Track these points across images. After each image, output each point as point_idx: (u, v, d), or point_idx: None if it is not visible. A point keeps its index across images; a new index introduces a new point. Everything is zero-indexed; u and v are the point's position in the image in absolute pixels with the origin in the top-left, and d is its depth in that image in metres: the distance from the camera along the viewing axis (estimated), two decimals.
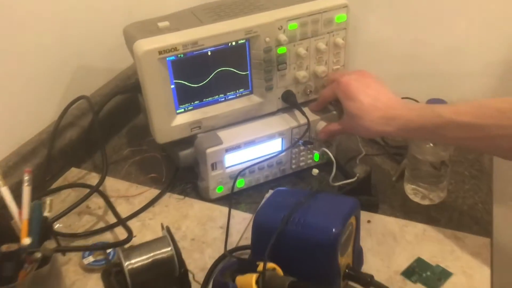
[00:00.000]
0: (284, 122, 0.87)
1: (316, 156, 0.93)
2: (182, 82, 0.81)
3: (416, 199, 0.87)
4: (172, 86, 0.80)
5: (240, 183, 0.88)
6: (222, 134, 0.84)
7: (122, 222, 0.73)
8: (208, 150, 0.81)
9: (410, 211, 0.85)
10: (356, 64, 1.05)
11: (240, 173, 0.85)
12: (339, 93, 0.80)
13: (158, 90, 0.78)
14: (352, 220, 0.67)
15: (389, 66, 1.11)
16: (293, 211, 0.64)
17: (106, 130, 1.02)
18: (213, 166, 0.83)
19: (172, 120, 0.82)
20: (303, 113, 0.86)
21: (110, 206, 0.78)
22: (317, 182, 0.92)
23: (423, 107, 0.74)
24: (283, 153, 0.86)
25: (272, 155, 0.87)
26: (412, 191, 0.87)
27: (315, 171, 0.92)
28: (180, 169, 0.91)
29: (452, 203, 0.86)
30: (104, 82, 1.06)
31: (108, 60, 1.07)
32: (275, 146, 0.88)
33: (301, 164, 0.92)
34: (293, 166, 0.91)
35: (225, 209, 0.84)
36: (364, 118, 0.77)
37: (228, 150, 0.83)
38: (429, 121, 0.71)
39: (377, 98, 0.77)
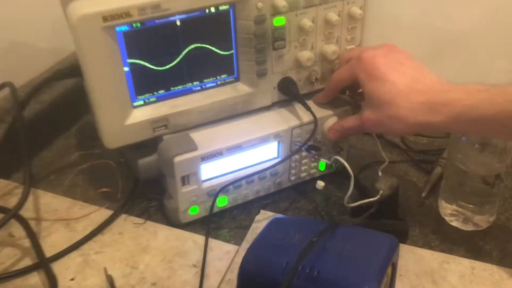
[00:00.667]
0: (281, 120, 0.65)
1: (322, 164, 0.70)
2: (140, 62, 0.58)
3: (456, 223, 0.65)
4: (126, 69, 0.57)
5: (222, 202, 0.65)
6: (197, 136, 0.61)
7: (44, 266, 0.50)
8: (177, 159, 0.58)
9: (448, 239, 0.63)
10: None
11: (222, 189, 0.62)
12: (361, 73, 0.58)
13: (104, 74, 0.55)
14: (388, 269, 0.44)
15: (412, 47, 0.88)
16: (301, 257, 0.42)
17: (49, 127, 0.79)
18: (185, 180, 0.61)
19: (127, 117, 0.59)
20: (308, 108, 0.63)
21: (32, 239, 0.54)
22: (323, 199, 0.70)
23: (489, 89, 0.52)
24: (280, 163, 0.63)
25: (265, 165, 0.64)
26: (451, 213, 0.65)
27: (320, 184, 0.70)
28: (141, 181, 0.68)
29: (502, 229, 0.65)
30: (47, 66, 0.83)
31: (52, 38, 0.83)
32: (269, 152, 0.65)
33: (303, 175, 0.70)
34: (292, 178, 0.69)
35: (200, 239, 0.62)
36: (398, 105, 0.55)
37: (205, 158, 0.60)
38: (504, 108, 0.49)
39: (416, 78, 0.56)
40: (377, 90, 0.56)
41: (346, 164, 0.60)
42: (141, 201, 0.68)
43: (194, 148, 0.59)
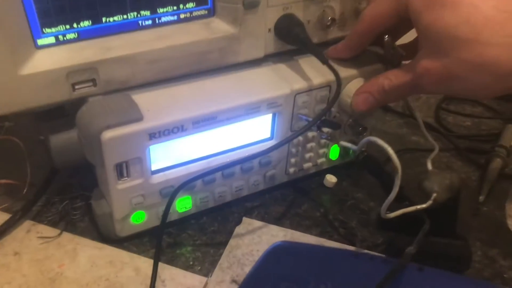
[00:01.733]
0: (279, 81, 0.42)
1: (334, 151, 0.48)
2: None
3: None
4: None
5: (184, 204, 0.42)
6: (145, 99, 0.38)
7: None
8: (108, 134, 0.35)
9: None
10: None
11: (185, 186, 0.39)
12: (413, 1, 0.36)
13: None
14: None
15: None
16: None
17: None
18: (122, 170, 0.37)
19: (24, 63, 0.35)
20: (324, 61, 0.40)
21: None
22: (335, 202, 0.47)
23: None
24: (277, 147, 0.40)
25: (252, 149, 0.42)
26: None
27: (331, 179, 0.48)
28: (59, 170, 0.45)
29: None
30: None
31: None
32: (258, 130, 0.42)
33: (306, 166, 0.47)
34: (291, 170, 0.46)
35: (146, 264, 0.39)
36: (485, 42, 0.32)
37: (155, 135, 0.37)
38: None
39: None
40: (444, 22, 0.33)
41: (390, 150, 0.36)
42: (60, 200, 0.45)
43: (137, 117, 0.36)
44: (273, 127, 0.43)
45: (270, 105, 0.40)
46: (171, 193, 0.39)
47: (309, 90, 0.42)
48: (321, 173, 0.49)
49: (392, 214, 0.38)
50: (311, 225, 0.44)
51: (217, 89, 0.40)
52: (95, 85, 0.38)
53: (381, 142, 0.36)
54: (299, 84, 0.41)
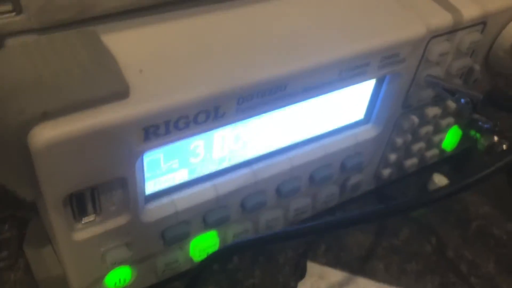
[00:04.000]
0: (400, 11, 0.21)
1: (453, 136, 0.28)
2: None
3: None
4: None
5: (202, 244, 0.22)
6: (130, 46, 0.17)
7: None
8: (45, 134, 0.14)
9: None
10: None
11: (211, 213, 0.19)
12: None
13: None
14: None
15: None
16: None
17: None
18: (84, 203, 0.17)
19: None
20: None
21: None
22: (454, 225, 0.28)
23: None
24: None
25: (328, 145, 0.22)
26: None
27: (440, 183, 0.29)
28: None
29: None
30: None
31: None
32: (344, 107, 0.22)
33: (409, 163, 0.27)
34: (385, 172, 0.26)
35: None
36: None
37: (157, 129, 0.16)
38: None
39: None
40: None
41: None
42: None
43: (117, 90, 0.15)
44: (374, 102, 0.23)
45: (387, 60, 0.20)
46: (182, 233, 0.19)
47: (454, 30, 0.21)
48: (422, 172, 0.29)
49: None
50: (422, 272, 0.25)
51: (284, 27, 0.19)
52: (19, 10, 0.16)
53: None
54: (438, 18, 0.21)
